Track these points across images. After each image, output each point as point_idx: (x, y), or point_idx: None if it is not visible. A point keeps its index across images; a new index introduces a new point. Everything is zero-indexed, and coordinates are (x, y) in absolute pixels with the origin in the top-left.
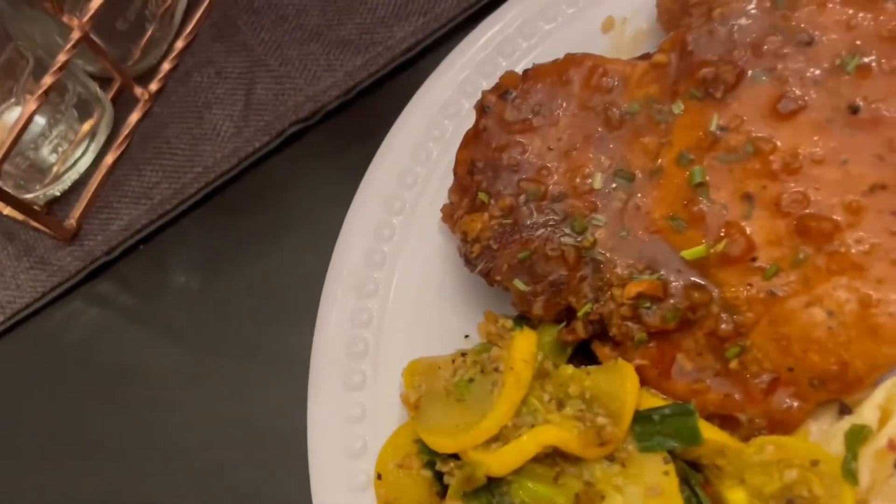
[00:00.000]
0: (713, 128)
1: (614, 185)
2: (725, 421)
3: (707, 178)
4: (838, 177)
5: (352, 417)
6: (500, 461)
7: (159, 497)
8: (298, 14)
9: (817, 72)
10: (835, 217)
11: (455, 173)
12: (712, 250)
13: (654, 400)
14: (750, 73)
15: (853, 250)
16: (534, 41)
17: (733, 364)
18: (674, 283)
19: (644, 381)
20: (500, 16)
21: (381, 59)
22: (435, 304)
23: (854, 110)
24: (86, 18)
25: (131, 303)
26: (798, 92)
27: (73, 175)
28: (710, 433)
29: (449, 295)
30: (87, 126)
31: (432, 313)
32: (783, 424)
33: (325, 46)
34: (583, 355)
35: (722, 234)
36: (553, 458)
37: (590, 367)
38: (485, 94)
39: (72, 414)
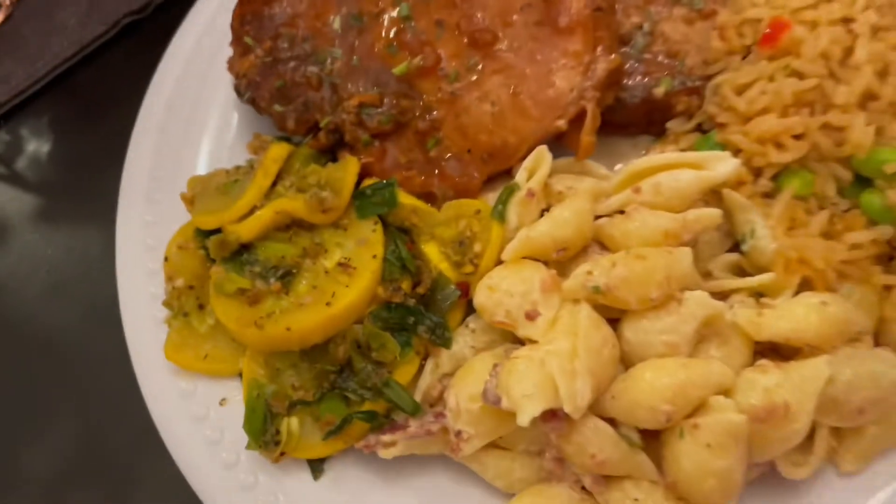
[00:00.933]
0: None
1: (349, 26)
2: (428, 197)
3: (410, 12)
4: (500, 0)
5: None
6: (247, 227)
7: None
8: None
9: None
10: (495, 30)
11: (231, 27)
12: (412, 65)
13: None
14: None
15: (507, 54)
16: None
17: (433, 152)
18: (388, 95)
19: (371, 174)
20: None
21: None
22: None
23: None
24: None
25: None
26: None
27: None
28: (405, 199)
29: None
30: None
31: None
32: (466, 192)
33: None
34: None
35: (419, 54)
36: (294, 229)
37: (329, 164)
38: None
39: None
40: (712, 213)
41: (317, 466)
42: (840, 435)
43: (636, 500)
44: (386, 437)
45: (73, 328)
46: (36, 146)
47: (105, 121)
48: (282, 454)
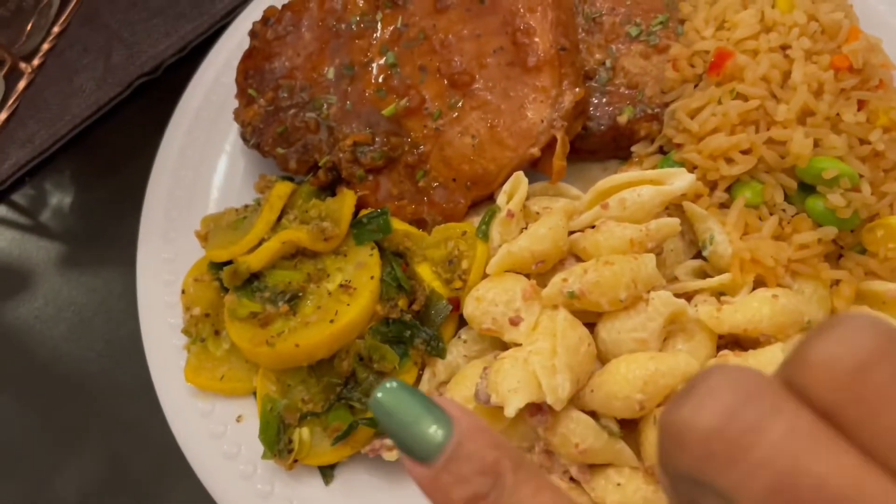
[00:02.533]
0: (399, 26)
1: (342, 76)
2: (419, 223)
3: (396, 60)
4: (475, 46)
5: (169, 281)
6: (257, 257)
7: None
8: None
9: None
10: (472, 72)
11: (236, 82)
12: (399, 106)
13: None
14: None
15: (483, 92)
16: None
17: (421, 183)
18: (379, 134)
19: (366, 205)
20: None
21: (205, 24)
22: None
23: (482, 1)
24: None
25: (21, 221)
26: None
27: None
28: (398, 225)
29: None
30: None
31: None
32: (453, 216)
33: (165, 19)
34: None
35: (405, 96)
36: (299, 257)
37: (328, 198)
38: (254, 23)
39: None
40: (671, 222)
41: (327, 472)
42: None
43: (619, 484)
44: (389, 441)
45: (97, 362)
46: (59, 198)
47: (122, 173)
48: (295, 461)
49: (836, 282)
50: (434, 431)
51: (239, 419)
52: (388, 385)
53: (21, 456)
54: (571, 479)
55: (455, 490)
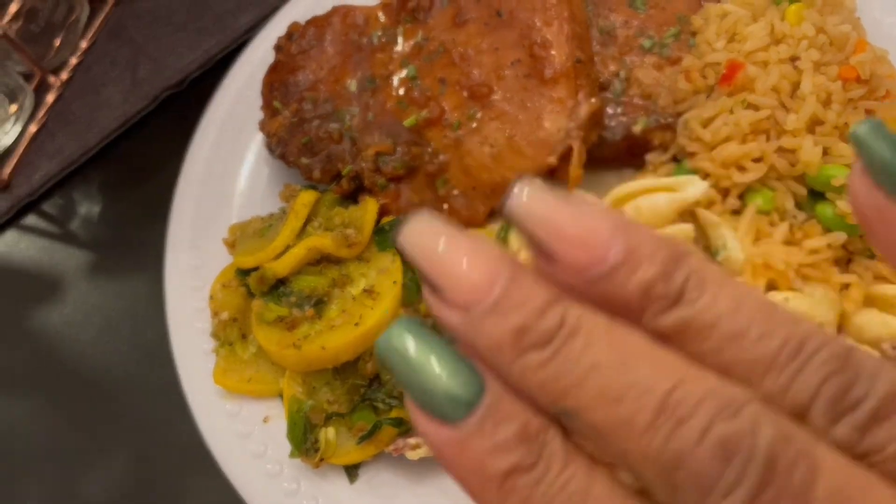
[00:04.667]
0: (419, 40)
1: (364, 88)
2: None
3: (417, 72)
4: (493, 59)
5: (197, 287)
6: (283, 264)
7: None
8: (170, 14)
9: None
10: (490, 84)
11: (262, 94)
12: (420, 117)
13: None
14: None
15: (501, 103)
16: None
17: (442, 191)
18: (400, 144)
19: (388, 212)
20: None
21: (228, 39)
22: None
23: (500, 14)
24: (5, 21)
25: (51, 230)
26: (466, 7)
27: (5, 142)
28: None
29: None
30: (13, 108)
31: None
32: (473, 224)
33: (189, 34)
34: None
35: (426, 107)
36: (323, 263)
37: (351, 206)
38: (278, 38)
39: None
40: (685, 228)
41: (352, 471)
42: None
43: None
44: (412, 441)
45: (125, 366)
46: (87, 208)
47: (148, 183)
48: (321, 460)
49: (846, 285)
50: (466, 380)
51: (266, 420)
52: (399, 325)
53: (50, 457)
54: None
55: (491, 461)
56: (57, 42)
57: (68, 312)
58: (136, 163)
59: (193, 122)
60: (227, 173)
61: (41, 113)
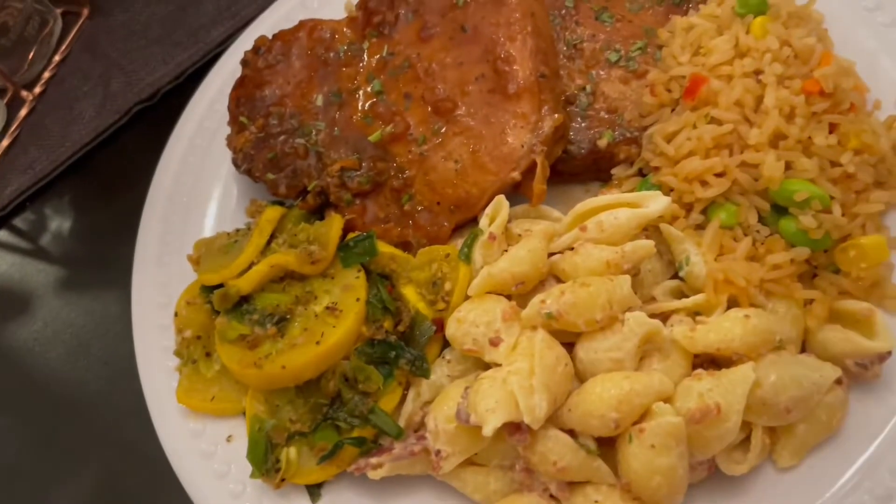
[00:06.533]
0: (385, 54)
1: (330, 102)
2: (405, 245)
3: (382, 87)
4: (457, 74)
5: (162, 304)
6: (246, 281)
7: None
8: (144, 29)
9: (443, 5)
10: (454, 99)
11: (228, 109)
12: (385, 132)
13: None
14: (402, 13)
15: (466, 118)
16: None
17: (407, 207)
18: (365, 159)
19: (353, 228)
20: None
21: (200, 52)
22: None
23: (465, 29)
24: None
25: (22, 246)
26: (431, 22)
27: None
28: (384, 248)
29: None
30: None
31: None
32: (437, 239)
33: (163, 48)
34: None
35: (391, 122)
36: (287, 280)
37: (316, 222)
38: (245, 53)
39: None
40: (646, 244)
41: (315, 491)
42: (774, 434)
43: (596, 501)
44: (374, 460)
45: (95, 383)
46: (58, 223)
47: (119, 197)
48: (282, 480)
49: (810, 301)
50: None
51: (229, 439)
52: None
53: (20, 474)
54: (551, 496)
55: None
56: (30, 56)
57: (38, 329)
58: (107, 177)
59: (165, 136)
60: (196, 189)
61: (13, 127)
